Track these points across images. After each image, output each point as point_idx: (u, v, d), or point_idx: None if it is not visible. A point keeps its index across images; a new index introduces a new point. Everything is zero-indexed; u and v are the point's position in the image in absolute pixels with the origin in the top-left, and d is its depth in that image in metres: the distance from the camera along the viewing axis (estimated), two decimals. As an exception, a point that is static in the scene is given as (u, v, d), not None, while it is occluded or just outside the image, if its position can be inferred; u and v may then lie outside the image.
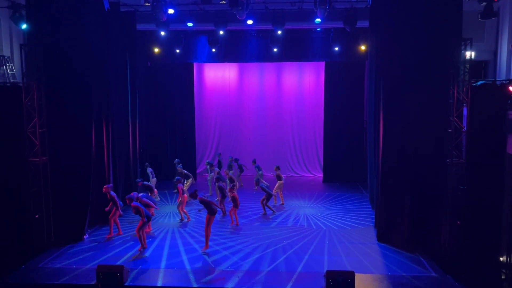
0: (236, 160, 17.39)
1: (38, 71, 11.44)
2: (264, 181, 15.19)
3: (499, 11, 13.87)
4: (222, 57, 17.75)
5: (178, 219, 13.69)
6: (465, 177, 9.99)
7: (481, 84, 9.83)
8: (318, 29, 16.76)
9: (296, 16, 14.62)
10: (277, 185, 15.18)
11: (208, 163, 16.63)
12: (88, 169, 12.04)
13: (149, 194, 13.49)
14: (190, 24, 14.96)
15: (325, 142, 18.83)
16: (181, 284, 9.42)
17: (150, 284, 9.46)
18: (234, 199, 13.06)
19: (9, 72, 13.58)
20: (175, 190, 15.61)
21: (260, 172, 16.31)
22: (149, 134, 18.41)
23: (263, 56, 17.58)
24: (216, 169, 16.22)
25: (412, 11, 10.85)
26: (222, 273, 9.95)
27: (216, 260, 10.63)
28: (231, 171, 16.41)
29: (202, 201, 11.22)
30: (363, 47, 16.40)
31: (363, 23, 13.65)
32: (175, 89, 19.14)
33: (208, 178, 16.57)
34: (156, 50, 17.35)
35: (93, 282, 9.35)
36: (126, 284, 9.34)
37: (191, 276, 9.75)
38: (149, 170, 15.85)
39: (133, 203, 11.18)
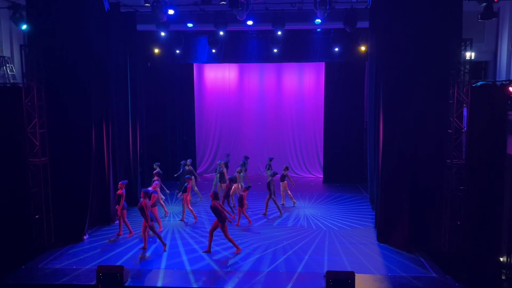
0: (246, 158, 17.37)
1: (38, 71, 11.45)
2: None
3: (499, 12, 13.87)
4: (222, 58, 17.75)
5: (178, 219, 13.71)
6: (465, 178, 9.99)
7: (481, 84, 9.82)
8: (318, 30, 16.76)
9: (296, 16, 14.62)
10: (281, 186, 15.17)
11: (220, 163, 16.34)
12: (88, 170, 12.04)
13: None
14: (190, 25, 14.96)
15: (325, 143, 18.83)
16: (181, 285, 9.42)
17: (150, 284, 9.47)
18: (241, 199, 13.11)
19: (9, 72, 13.59)
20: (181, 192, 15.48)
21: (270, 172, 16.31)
22: (149, 134, 18.40)
23: (263, 56, 17.58)
24: (225, 169, 16.13)
25: (412, 12, 10.84)
26: (222, 273, 9.96)
27: (216, 261, 10.64)
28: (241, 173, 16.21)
29: (215, 208, 10.81)
30: (363, 48, 16.39)
31: (363, 24, 13.64)
32: (175, 90, 19.18)
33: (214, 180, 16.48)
34: (156, 50, 17.35)
35: (93, 283, 9.35)
36: (126, 284, 9.34)
37: (191, 277, 9.75)
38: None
39: (144, 201, 10.94)
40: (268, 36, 16.06)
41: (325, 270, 9.56)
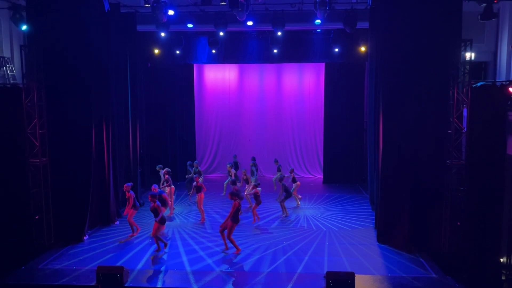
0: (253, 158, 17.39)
1: (38, 72, 11.45)
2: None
3: (499, 12, 13.90)
4: (222, 58, 17.74)
5: (179, 220, 13.72)
6: (465, 178, 9.99)
7: (481, 85, 9.83)
8: (318, 30, 16.75)
9: (296, 17, 14.62)
10: (294, 186, 15.17)
11: (231, 164, 16.42)
12: (88, 170, 12.04)
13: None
14: (190, 25, 14.95)
15: (325, 143, 18.83)
16: (181, 285, 9.43)
17: (150, 285, 9.47)
18: (256, 196, 13.30)
19: (9, 73, 13.61)
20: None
21: (280, 172, 16.34)
22: (149, 135, 18.38)
23: (263, 57, 17.56)
24: (233, 170, 16.16)
25: (412, 12, 10.85)
26: (222, 274, 9.96)
27: (216, 261, 10.64)
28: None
29: (238, 209, 10.96)
30: (363, 48, 16.39)
31: (363, 24, 13.64)
32: (175, 90, 19.17)
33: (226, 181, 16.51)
34: (156, 51, 17.33)
35: (93, 283, 9.35)
36: (126, 285, 9.34)
37: (191, 277, 9.76)
38: (161, 172, 15.74)
39: (156, 203, 11.06)
40: (268, 37, 16.06)
41: (325, 270, 9.56)
